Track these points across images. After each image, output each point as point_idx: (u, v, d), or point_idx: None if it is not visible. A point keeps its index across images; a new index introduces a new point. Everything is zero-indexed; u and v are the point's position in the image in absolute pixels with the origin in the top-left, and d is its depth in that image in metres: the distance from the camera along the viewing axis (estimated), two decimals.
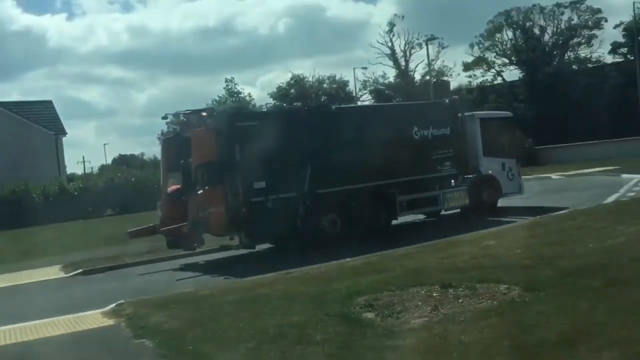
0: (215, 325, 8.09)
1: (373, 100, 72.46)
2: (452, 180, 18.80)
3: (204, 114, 15.84)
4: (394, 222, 17.54)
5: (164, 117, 16.57)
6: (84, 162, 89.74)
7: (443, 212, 18.96)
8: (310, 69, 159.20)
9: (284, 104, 14.64)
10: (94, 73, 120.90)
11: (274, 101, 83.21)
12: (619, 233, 11.35)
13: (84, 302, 11.14)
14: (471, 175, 19.17)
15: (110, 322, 9.29)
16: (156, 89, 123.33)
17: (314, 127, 16.28)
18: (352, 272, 11.03)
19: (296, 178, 15.62)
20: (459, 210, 18.92)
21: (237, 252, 16.13)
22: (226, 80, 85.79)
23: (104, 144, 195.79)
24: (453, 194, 18.55)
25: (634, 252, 9.40)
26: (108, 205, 37.00)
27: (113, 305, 10.21)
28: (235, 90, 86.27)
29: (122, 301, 10.33)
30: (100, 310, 10.11)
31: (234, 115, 16.09)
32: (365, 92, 74.63)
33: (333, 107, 18.89)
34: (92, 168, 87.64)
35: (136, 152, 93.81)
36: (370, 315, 7.66)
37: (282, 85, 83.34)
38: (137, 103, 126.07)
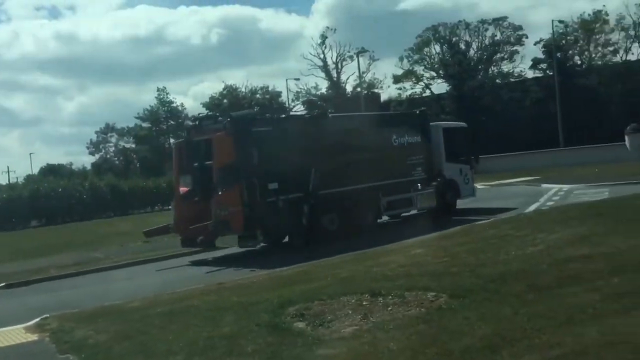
0: (143, 338, 7.89)
1: (305, 112, 72.86)
2: (420, 184, 20.65)
3: (220, 118, 17.55)
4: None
5: (184, 123, 18.13)
6: (8, 172, 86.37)
7: (415, 212, 20.98)
8: (243, 79, 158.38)
9: (228, 113, 15.37)
10: (19, 80, 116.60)
11: (207, 111, 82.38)
12: (539, 241, 11.73)
13: (6, 317, 10.67)
14: (437, 180, 21.20)
15: (33, 337, 8.92)
16: (85, 98, 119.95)
17: (316, 133, 17.92)
18: (284, 281, 11.00)
19: (302, 180, 17.10)
20: (425, 211, 20.76)
21: (228, 252, 17.37)
22: (158, 90, 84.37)
23: (30, 153, 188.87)
24: (424, 196, 20.54)
25: (552, 259, 9.74)
26: (34, 216, 35.68)
27: (37, 319, 9.82)
28: (167, 99, 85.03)
29: (47, 315, 9.94)
30: (23, 325, 9.70)
31: (251, 120, 17.33)
32: (297, 102, 74.96)
33: (329, 114, 20.37)
34: (17, 178, 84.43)
35: (64, 162, 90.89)
36: (301, 324, 7.64)
37: (214, 95, 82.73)
38: (65, 111, 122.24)
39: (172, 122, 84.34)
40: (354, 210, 18.33)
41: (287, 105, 75.68)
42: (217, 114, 17.44)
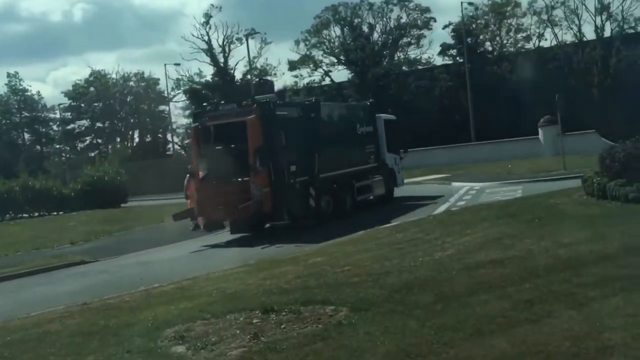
0: None
1: (188, 101, 72.19)
2: (372, 172, 24.72)
3: (244, 103, 20.77)
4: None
5: (200, 110, 22.28)
6: None
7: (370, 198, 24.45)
8: (113, 64, 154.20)
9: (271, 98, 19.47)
10: None
11: (70, 101, 79.71)
12: (449, 245, 12.16)
13: None
14: (382, 168, 25.34)
15: None
16: None
17: (317, 119, 21.43)
18: (161, 298, 10.80)
19: (310, 163, 20.48)
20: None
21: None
22: (8, 75, 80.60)
23: None
24: (377, 183, 24.67)
25: (461, 264, 10.12)
26: None
27: None
28: (20, 87, 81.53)
29: None
30: None
31: (277, 104, 20.29)
32: (178, 91, 74.00)
33: (321, 102, 23.33)
34: None
35: None
36: (180, 348, 7.53)
37: (79, 82, 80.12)
38: None
39: (26, 114, 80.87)
40: (341, 194, 22.22)
41: (166, 94, 74.59)
42: (243, 100, 21.60)
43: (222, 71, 66.43)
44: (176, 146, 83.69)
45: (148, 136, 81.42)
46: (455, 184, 29.79)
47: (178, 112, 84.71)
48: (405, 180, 28.82)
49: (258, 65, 68.27)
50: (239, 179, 19.72)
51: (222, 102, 22.49)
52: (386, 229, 16.52)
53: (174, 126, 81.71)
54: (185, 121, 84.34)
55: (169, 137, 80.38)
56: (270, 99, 20.36)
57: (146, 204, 40.88)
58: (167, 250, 19.87)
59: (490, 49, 59.82)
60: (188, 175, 21.44)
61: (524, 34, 58.63)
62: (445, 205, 22.14)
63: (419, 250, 12.06)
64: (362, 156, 24.35)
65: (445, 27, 60.27)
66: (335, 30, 63.55)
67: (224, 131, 20.22)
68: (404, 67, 62.40)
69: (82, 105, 79.76)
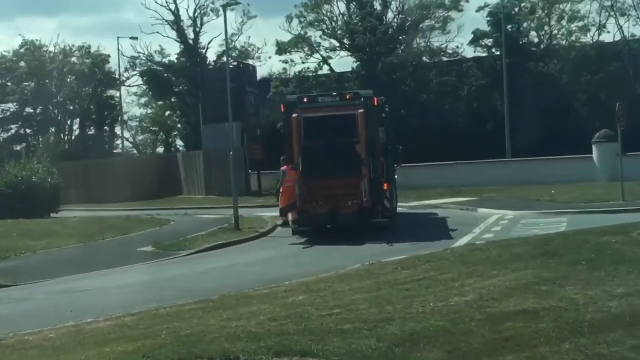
0: None
1: (144, 86, 72.27)
2: None
3: (349, 96, 26.86)
4: None
5: (294, 99, 27.84)
6: None
7: None
8: (51, 33, 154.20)
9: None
10: None
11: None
12: (468, 288, 12.15)
13: None
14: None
15: None
16: None
17: (387, 117, 29.09)
18: (94, 337, 10.77)
19: (388, 162, 26.88)
20: None
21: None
22: None
23: None
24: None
25: (483, 314, 10.10)
26: None
27: None
28: None
29: None
30: None
31: (379, 99, 26.37)
32: (133, 72, 74.00)
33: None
34: None
35: None
36: None
37: (6, 54, 79.86)
38: None
39: None
40: (394, 193, 28.18)
41: (117, 76, 74.61)
42: (344, 92, 29.13)
43: (191, 50, 66.49)
44: (127, 143, 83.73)
45: (91, 128, 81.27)
46: (482, 211, 29.98)
47: (131, 100, 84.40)
48: (418, 203, 29.29)
49: (237, 45, 68.50)
50: (347, 174, 24.95)
51: (317, 92, 31.53)
52: (389, 263, 16.52)
53: (126, 117, 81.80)
54: (140, 111, 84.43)
55: (118, 130, 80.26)
56: (371, 93, 26.52)
57: (85, 214, 40.80)
58: (109, 275, 19.99)
59: (535, 40, 60.07)
60: (284, 167, 26.45)
61: (580, 24, 58.59)
62: (467, 237, 22.26)
63: (430, 293, 12.05)
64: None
65: (479, 9, 60.51)
66: (339, 6, 63.63)
67: (325, 124, 25.66)
68: (424, 58, 62.44)
69: (9, 84, 79.49)
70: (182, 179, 56.01)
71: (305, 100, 27.37)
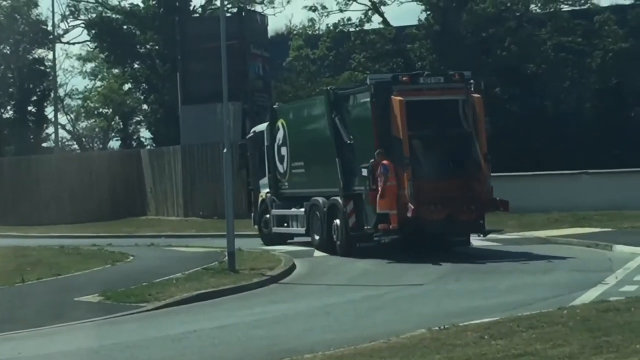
0: None
1: (92, 45, 72.27)
2: None
3: (457, 76, 32.19)
4: None
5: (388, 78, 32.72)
6: None
7: None
8: None
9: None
10: None
11: None
12: None
13: None
14: None
15: None
16: None
17: None
18: None
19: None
20: None
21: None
22: None
23: None
24: None
25: None
26: None
27: None
28: None
29: None
30: None
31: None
32: (74, 22, 74.07)
33: None
34: None
35: None
36: None
37: None
38: None
39: None
40: None
41: (51, 28, 74.80)
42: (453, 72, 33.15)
43: None
44: (63, 132, 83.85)
45: (8, 109, 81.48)
46: (621, 249, 29.90)
47: (71, 66, 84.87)
48: (519, 235, 29.48)
49: None
50: (466, 172, 30.91)
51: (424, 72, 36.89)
52: (471, 328, 16.49)
53: (62, 92, 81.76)
54: (85, 83, 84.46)
55: (49, 112, 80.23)
56: (468, 75, 32.11)
57: None
58: (29, 339, 19.98)
59: None
60: (385, 162, 30.30)
61: None
62: (595, 289, 22.06)
63: None
64: None
65: None
66: None
67: (434, 110, 31.44)
68: (533, 6, 62.27)
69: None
70: (148, 191, 56.12)
71: (405, 79, 32.02)
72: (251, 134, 42.62)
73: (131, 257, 32.67)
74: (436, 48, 57.64)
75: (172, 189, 53.04)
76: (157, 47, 67.26)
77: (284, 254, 31.56)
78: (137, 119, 77.94)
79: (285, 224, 37.95)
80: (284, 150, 37.59)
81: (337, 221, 33.05)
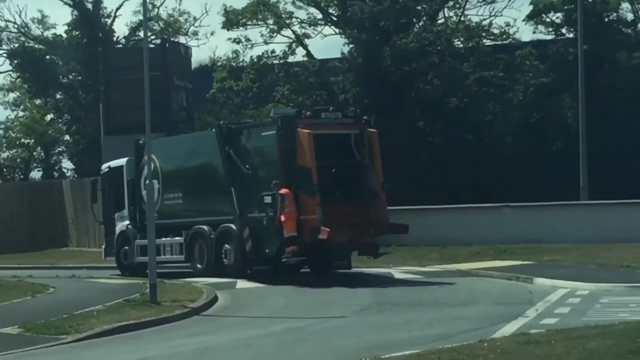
0: None
1: (14, 74, 71.70)
2: None
3: (350, 112, 37.66)
4: None
5: (292, 114, 36.64)
6: None
7: None
8: None
9: None
10: None
11: None
12: None
13: None
14: None
15: None
16: None
17: None
18: None
19: None
20: None
21: None
22: None
23: None
24: None
25: None
26: None
27: None
28: None
29: None
30: None
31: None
32: None
33: None
34: None
35: None
36: None
37: None
38: None
39: None
40: None
41: None
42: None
43: (90, 18, 66.65)
44: None
45: None
46: (541, 282, 30.20)
47: None
48: (441, 268, 29.62)
49: (162, 14, 68.52)
50: (367, 199, 34.43)
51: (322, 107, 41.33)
52: None
53: None
54: (6, 114, 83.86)
55: None
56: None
57: None
58: None
59: (629, 16, 60.32)
60: (283, 191, 33.13)
61: None
62: (516, 322, 22.33)
63: None
64: None
65: None
66: None
67: (334, 142, 35.26)
68: (456, 40, 62.44)
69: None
70: (69, 222, 55.71)
71: (308, 114, 35.43)
72: (105, 170, 44.36)
73: (52, 289, 32.46)
74: (359, 81, 57.74)
75: (94, 221, 52.59)
76: (80, 78, 67.03)
77: (205, 286, 31.48)
78: (60, 149, 77.31)
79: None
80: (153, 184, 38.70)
81: (227, 246, 35.74)
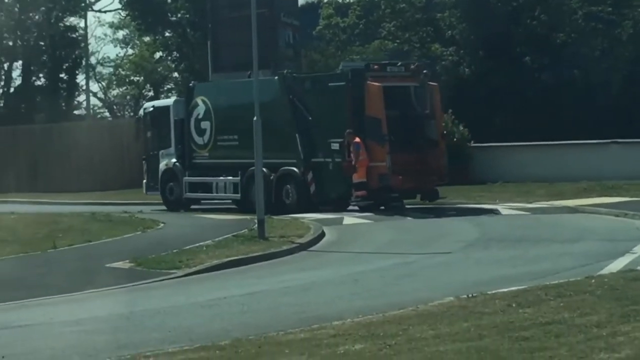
0: None
1: (124, 12, 71.95)
2: None
3: (412, 66, 39.31)
4: None
5: (361, 67, 38.93)
6: None
7: None
8: None
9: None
10: None
11: None
12: (624, 339, 12.03)
13: None
14: None
15: None
16: None
17: None
18: None
19: None
20: None
21: None
22: None
23: None
24: None
25: None
26: None
27: None
28: None
29: None
30: None
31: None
32: None
33: None
34: None
35: None
36: None
37: None
38: None
39: None
40: None
41: None
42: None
43: None
44: (95, 100, 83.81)
45: (40, 76, 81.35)
46: None
47: (103, 34, 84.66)
48: (547, 204, 29.54)
49: None
50: (429, 149, 36.64)
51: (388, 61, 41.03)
52: (499, 296, 16.44)
53: (94, 60, 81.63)
54: (116, 51, 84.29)
55: (81, 80, 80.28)
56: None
57: (28, 209, 41.31)
58: (62, 304, 20.09)
59: None
60: (356, 140, 35.13)
61: None
62: (624, 259, 22.02)
63: (563, 345, 12.01)
64: None
65: None
66: None
67: (393, 95, 36.38)
68: None
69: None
70: None
71: (376, 67, 37.91)
72: (150, 109, 45.93)
73: (162, 224, 32.91)
74: (466, 17, 57.31)
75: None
76: (187, 16, 67.12)
77: (313, 222, 31.67)
78: (168, 86, 77.85)
79: (201, 191, 42.44)
80: (205, 124, 41.53)
81: (289, 186, 38.01)
